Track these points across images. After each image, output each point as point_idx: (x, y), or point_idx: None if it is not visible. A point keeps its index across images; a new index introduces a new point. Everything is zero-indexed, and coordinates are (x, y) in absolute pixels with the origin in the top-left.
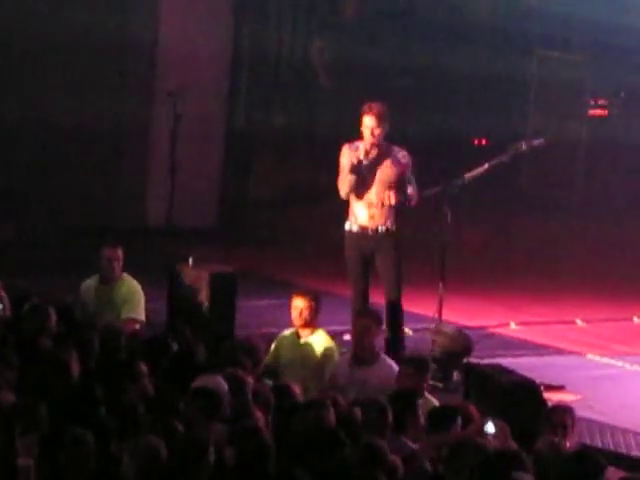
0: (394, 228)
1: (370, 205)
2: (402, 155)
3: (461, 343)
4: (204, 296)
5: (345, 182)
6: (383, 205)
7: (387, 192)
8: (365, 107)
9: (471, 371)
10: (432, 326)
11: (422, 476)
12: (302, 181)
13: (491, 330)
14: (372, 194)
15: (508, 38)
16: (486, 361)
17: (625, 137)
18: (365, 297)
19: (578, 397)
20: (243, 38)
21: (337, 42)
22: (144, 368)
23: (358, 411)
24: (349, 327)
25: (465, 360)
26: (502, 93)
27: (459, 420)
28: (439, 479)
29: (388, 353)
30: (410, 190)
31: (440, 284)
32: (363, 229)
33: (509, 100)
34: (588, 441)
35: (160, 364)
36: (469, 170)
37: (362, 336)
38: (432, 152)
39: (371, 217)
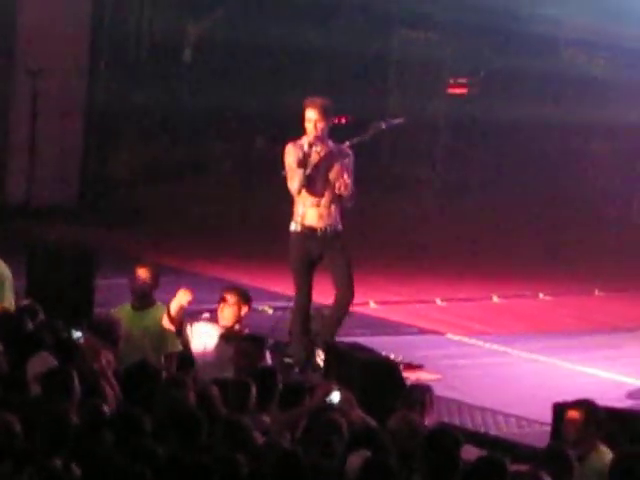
0: (341, 228)
1: (318, 204)
2: (345, 151)
3: (320, 322)
4: (63, 275)
5: (294, 178)
6: (336, 197)
7: (341, 180)
8: (307, 100)
9: (330, 350)
10: (291, 305)
11: (277, 452)
12: (162, 159)
13: (350, 309)
14: (319, 192)
15: (368, 16)
16: (346, 340)
17: (485, 115)
18: (309, 299)
19: (437, 376)
20: (103, 15)
21: (200, 20)
22: None
23: (215, 389)
24: (206, 306)
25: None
26: (362, 71)
27: (307, 397)
28: (294, 455)
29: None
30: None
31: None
32: (311, 230)
33: (369, 78)
34: (447, 420)
35: (14, 342)
36: None
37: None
38: (291, 130)
39: (319, 217)
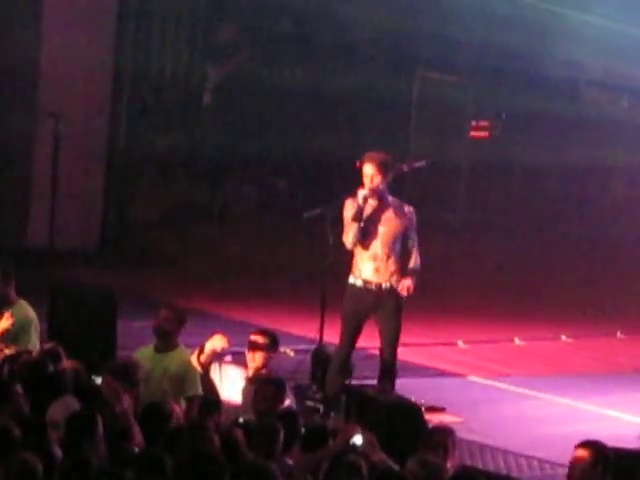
0: (404, 294)
1: (375, 258)
2: (407, 209)
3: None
4: (85, 318)
5: (349, 232)
6: (395, 252)
7: (403, 282)
8: (365, 155)
9: (352, 392)
10: (313, 347)
11: None
12: (183, 202)
13: (372, 351)
14: (377, 246)
15: (391, 59)
16: (367, 382)
17: (506, 158)
18: (352, 347)
19: (460, 419)
20: (126, 58)
21: (222, 63)
22: (19, 389)
23: (240, 432)
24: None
25: (346, 381)
26: (384, 114)
27: (329, 439)
28: None
29: None
30: (414, 255)
31: (322, 305)
32: (367, 284)
33: (391, 122)
34: (469, 462)
35: (36, 386)
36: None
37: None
38: (314, 175)
39: (376, 270)
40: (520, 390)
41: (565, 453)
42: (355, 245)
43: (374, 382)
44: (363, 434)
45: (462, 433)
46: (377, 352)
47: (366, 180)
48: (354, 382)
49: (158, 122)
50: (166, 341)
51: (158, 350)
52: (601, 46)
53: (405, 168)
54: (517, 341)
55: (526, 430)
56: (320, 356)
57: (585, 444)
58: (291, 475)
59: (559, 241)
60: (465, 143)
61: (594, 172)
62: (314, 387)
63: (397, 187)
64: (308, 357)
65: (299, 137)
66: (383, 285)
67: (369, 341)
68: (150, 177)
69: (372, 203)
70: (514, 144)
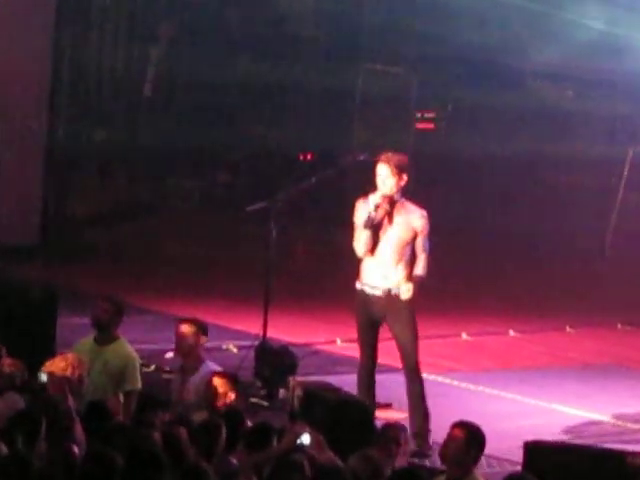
0: (407, 297)
1: (383, 263)
2: (419, 215)
3: (286, 360)
4: (26, 313)
5: (360, 239)
6: (404, 257)
7: (403, 286)
8: (382, 155)
9: (297, 389)
10: (256, 343)
11: None
12: (123, 196)
13: (317, 347)
14: (386, 251)
15: (333, 51)
16: (312, 378)
17: (452, 150)
18: (373, 361)
19: (406, 415)
20: (64, 53)
21: (161, 55)
22: None
23: (183, 430)
24: (170, 345)
25: (291, 378)
26: (328, 107)
27: (274, 438)
28: None
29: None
30: (422, 261)
31: (265, 300)
32: (375, 289)
33: (335, 114)
34: (417, 460)
35: None
36: (294, 185)
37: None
38: (257, 167)
39: (384, 277)
40: (468, 385)
41: (513, 449)
42: (364, 254)
43: (319, 378)
44: (311, 433)
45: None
46: (323, 348)
47: (379, 181)
48: (299, 379)
49: (97, 116)
50: (105, 333)
51: (98, 342)
52: (548, 36)
53: (349, 160)
54: (465, 336)
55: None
56: (264, 352)
57: (460, 424)
58: (235, 475)
59: (507, 235)
60: (410, 135)
61: (540, 164)
62: (258, 383)
63: (340, 181)
64: (251, 353)
65: (241, 130)
66: (392, 291)
67: (314, 337)
68: (89, 172)
69: (385, 207)
70: (459, 136)
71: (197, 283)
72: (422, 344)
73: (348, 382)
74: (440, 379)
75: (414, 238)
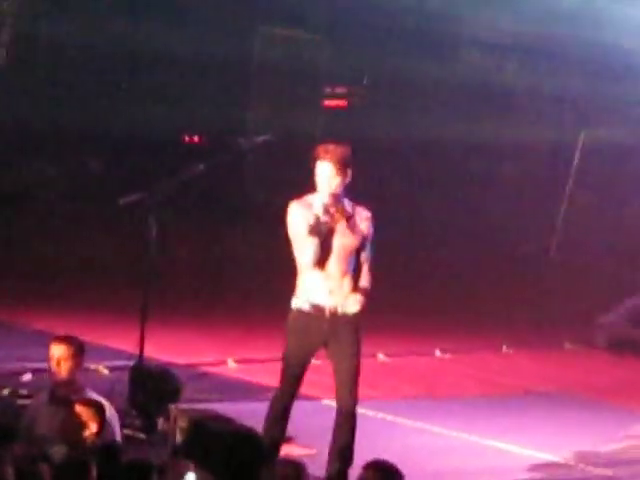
0: (357, 309)
1: (328, 277)
2: (365, 215)
3: (167, 385)
4: None
5: (306, 250)
6: (344, 277)
7: (352, 297)
8: (320, 150)
9: (180, 419)
10: (132, 364)
11: None
12: None
13: (204, 369)
14: (332, 262)
15: (225, 13)
16: (199, 407)
17: (369, 131)
18: (293, 395)
19: (311, 450)
20: None
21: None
22: None
23: (45, 467)
24: (29, 364)
25: (172, 405)
26: (218, 79)
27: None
28: None
29: None
30: (366, 271)
31: (142, 312)
32: (318, 309)
33: (227, 88)
34: None
35: None
36: (179, 173)
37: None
38: (134, 152)
39: (330, 292)
40: (384, 416)
41: None
42: (314, 266)
43: (207, 407)
44: (197, 473)
45: (313, 468)
46: (212, 370)
47: (321, 182)
48: (183, 407)
49: None
50: None
51: None
52: None
53: (246, 144)
54: (381, 357)
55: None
56: (139, 374)
57: (374, 465)
58: None
59: (432, 232)
60: (318, 113)
61: (474, 149)
62: (133, 412)
63: (236, 168)
64: (126, 375)
65: (113, 108)
66: (339, 311)
67: (200, 356)
68: None
69: (331, 211)
70: (378, 115)
71: (59, 289)
72: (329, 366)
73: (242, 411)
74: None
75: (362, 244)
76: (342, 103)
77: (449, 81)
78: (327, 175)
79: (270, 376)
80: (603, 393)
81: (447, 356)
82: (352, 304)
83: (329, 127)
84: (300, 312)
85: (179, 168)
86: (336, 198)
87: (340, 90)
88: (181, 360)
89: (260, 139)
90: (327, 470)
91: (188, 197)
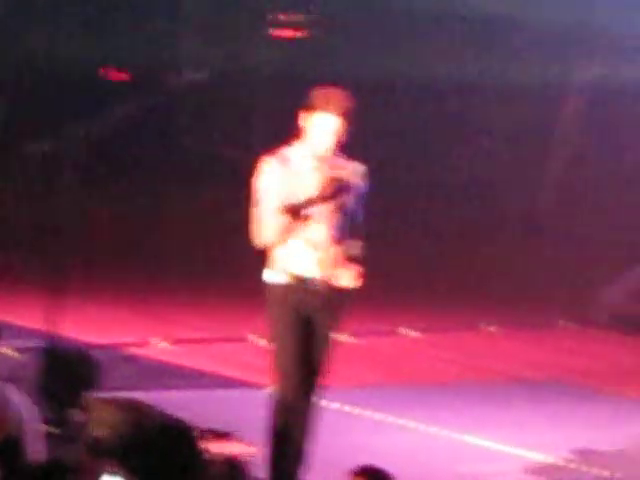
0: (354, 284)
1: (317, 245)
2: (359, 170)
3: (83, 369)
4: None
5: (273, 225)
6: (336, 245)
7: (351, 269)
8: (320, 98)
9: (97, 410)
10: (43, 344)
11: None
12: None
13: (129, 351)
14: (321, 228)
15: None
16: (120, 395)
17: (328, 68)
18: (300, 386)
19: (251, 448)
20: None
21: None
22: None
23: None
24: None
25: (89, 394)
26: (141, 5)
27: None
28: None
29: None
30: (359, 236)
31: (56, 282)
32: (302, 282)
33: (152, 15)
34: None
35: None
36: (97, 117)
37: None
38: (39, 90)
39: (319, 262)
40: (340, 406)
41: None
42: (275, 243)
43: (131, 395)
44: (119, 473)
45: (255, 467)
46: (136, 352)
47: (321, 135)
48: (102, 395)
49: None
50: None
51: None
52: None
53: (180, 81)
54: (343, 337)
55: (345, 463)
56: (51, 357)
57: (364, 472)
58: None
59: (405, 191)
60: (264, 46)
61: (452, 90)
62: (43, 402)
63: (167, 113)
64: (37, 358)
65: (14, 36)
66: (325, 281)
67: (123, 336)
68: None
69: (323, 169)
70: (336, 49)
71: None
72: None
73: (172, 401)
74: None
75: (356, 204)
76: (292, 34)
77: (425, 12)
78: (330, 130)
79: (206, 359)
80: (601, 380)
81: (415, 335)
82: (351, 279)
83: (278, 63)
84: (278, 285)
85: (98, 111)
86: (332, 154)
87: (291, 18)
88: (100, 340)
89: (195, 76)
90: (271, 468)
91: (109, 146)
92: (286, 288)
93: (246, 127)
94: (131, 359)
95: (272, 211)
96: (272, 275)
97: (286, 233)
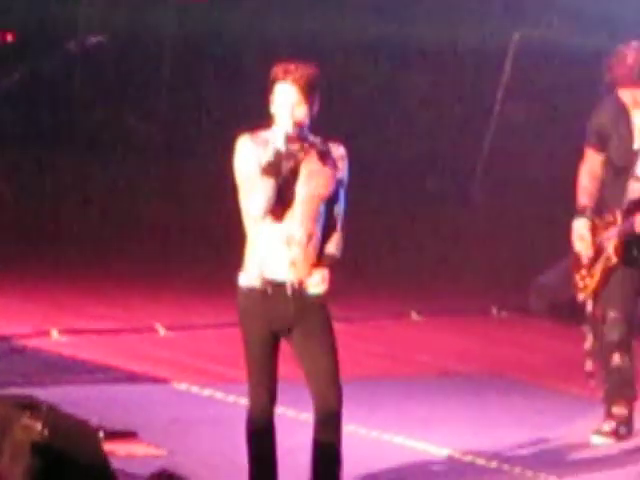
0: (321, 290)
1: (290, 241)
2: (337, 152)
3: None
4: None
5: (258, 193)
6: (310, 240)
7: (315, 273)
8: (278, 69)
9: None
10: None
11: None
12: None
13: (22, 342)
14: (293, 221)
15: None
16: (12, 391)
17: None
18: (270, 399)
19: (159, 451)
20: None
21: None
22: None
23: None
24: None
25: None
26: None
27: None
28: None
29: None
30: (337, 231)
31: None
32: (275, 286)
33: None
34: None
35: None
36: None
37: None
38: None
39: (292, 264)
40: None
41: None
42: (265, 215)
43: (22, 391)
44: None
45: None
46: (30, 343)
47: (281, 110)
48: None
49: None
50: None
51: None
52: None
53: (74, 47)
54: None
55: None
56: None
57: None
58: None
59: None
60: (168, 8)
61: (384, 49)
62: None
63: (64, 79)
64: None
65: None
66: (303, 285)
67: (16, 326)
68: None
69: (293, 148)
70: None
71: None
72: (182, 336)
73: (63, 397)
74: (210, 393)
75: (335, 193)
76: None
77: None
78: (290, 101)
79: (105, 352)
80: (539, 374)
81: (338, 326)
82: (316, 283)
83: (183, 26)
84: (251, 291)
85: None
86: (301, 130)
87: None
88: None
89: (93, 41)
90: None
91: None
92: (257, 295)
93: (149, 95)
94: (26, 351)
95: (254, 180)
96: (244, 279)
97: (271, 202)
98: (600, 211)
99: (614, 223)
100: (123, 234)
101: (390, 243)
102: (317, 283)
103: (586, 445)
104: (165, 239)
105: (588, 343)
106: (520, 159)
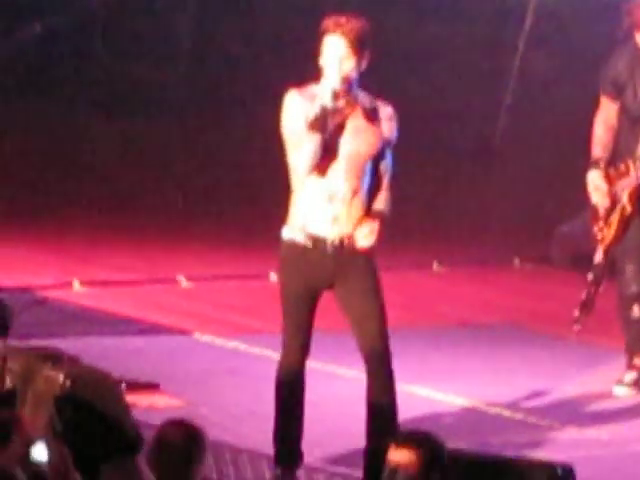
0: (368, 243)
1: (332, 197)
2: (385, 112)
3: None
4: None
5: (305, 149)
6: (354, 196)
7: (364, 226)
8: (328, 22)
9: (11, 360)
10: None
11: None
12: None
13: (43, 293)
14: (337, 177)
15: None
16: (35, 343)
17: None
18: (304, 354)
19: (180, 401)
20: None
21: None
22: None
23: None
24: None
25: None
26: None
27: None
28: None
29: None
30: (386, 188)
31: None
32: (317, 242)
33: None
34: None
35: None
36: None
37: None
38: None
39: (334, 220)
40: (271, 354)
41: (338, 451)
42: (311, 171)
43: (46, 342)
44: (49, 444)
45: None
46: (52, 295)
47: (330, 63)
48: (14, 343)
49: None
50: None
51: None
52: None
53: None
54: (274, 277)
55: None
56: None
57: (410, 441)
58: None
59: None
60: None
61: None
62: None
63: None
64: None
65: None
66: (345, 241)
67: (38, 277)
68: None
69: (340, 104)
70: None
71: None
72: (205, 288)
73: (86, 349)
74: (232, 344)
75: (382, 151)
76: None
77: None
78: (339, 54)
79: (128, 303)
80: (560, 325)
81: None
82: (364, 237)
83: None
84: (293, 245)
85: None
86: (349, 85)
87: None
88: (11, 281)
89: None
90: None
91: (17, 67)
92: (298, 249)
93: (169, 47)
94: (47, 303)
95: (300, 135)
96: (287, 232)
97: (317, 157)
98: (615, 161)
99: (627, 173)
100: (146, 185)
101: (412, 194)
102: (365, 235)
103: (607, 396)
104: (188, 191)
105: (584, 293)
106: (542, 109)
